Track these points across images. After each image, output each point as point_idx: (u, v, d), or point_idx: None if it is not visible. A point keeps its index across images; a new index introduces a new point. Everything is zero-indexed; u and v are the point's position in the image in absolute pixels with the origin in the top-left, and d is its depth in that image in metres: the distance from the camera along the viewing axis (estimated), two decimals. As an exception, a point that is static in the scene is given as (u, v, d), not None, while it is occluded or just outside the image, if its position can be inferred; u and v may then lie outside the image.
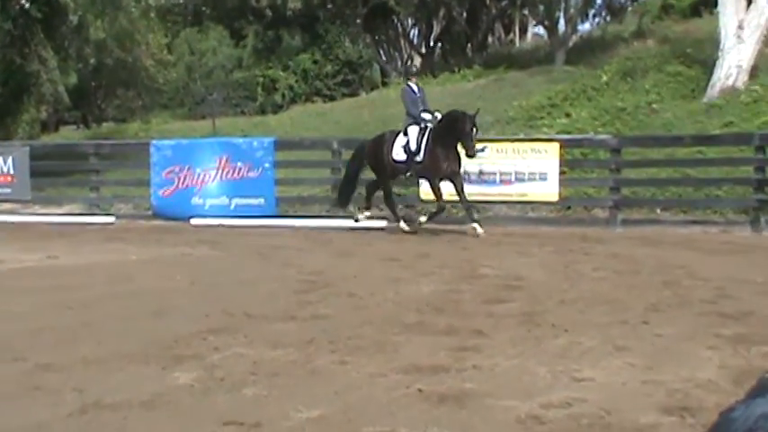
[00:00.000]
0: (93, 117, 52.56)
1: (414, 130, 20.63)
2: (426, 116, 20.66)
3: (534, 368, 9.47)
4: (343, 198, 22.24)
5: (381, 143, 21.34)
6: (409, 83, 21.49)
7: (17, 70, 36.65)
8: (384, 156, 21.09)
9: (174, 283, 15.04)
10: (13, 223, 25.01)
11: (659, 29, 36.81)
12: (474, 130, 19.60)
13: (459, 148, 20.00)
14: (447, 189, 20.59)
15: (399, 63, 53.65)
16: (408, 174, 20.83)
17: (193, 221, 23.67)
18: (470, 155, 19.67)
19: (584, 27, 50.79)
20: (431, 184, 20.60)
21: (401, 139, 20.88)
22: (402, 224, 21.37)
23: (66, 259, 17.95)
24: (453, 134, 19.82)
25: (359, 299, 13.44)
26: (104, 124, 50.63)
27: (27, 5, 32.00)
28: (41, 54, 36.35)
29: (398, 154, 20.82)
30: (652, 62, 30.83)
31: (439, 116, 20.73)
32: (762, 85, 26.23)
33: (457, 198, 20.34)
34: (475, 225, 20.24)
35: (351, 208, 22.75)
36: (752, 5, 26.79)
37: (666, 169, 22.70)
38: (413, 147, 20.54)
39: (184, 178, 24.23)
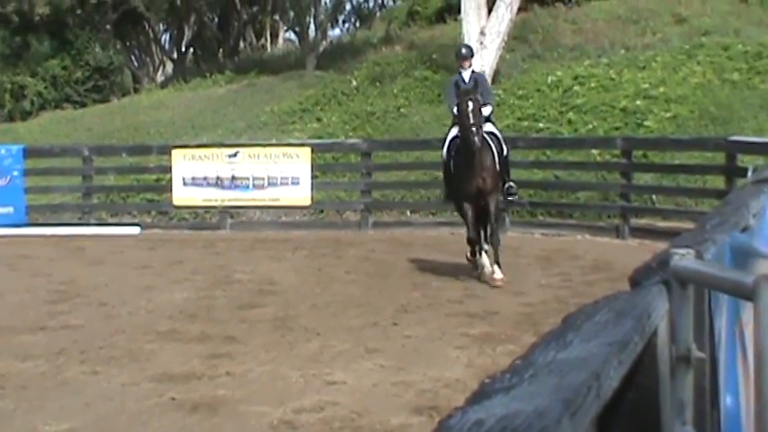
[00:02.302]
0: None
1: (451, 133, 15.51)
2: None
3: (287, 373, 9.60)
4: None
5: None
6: (461, 70, 15.88)
7: None
8: None
9: None
10: None
11: (406, 35, 37.46)
12: (469, 104, 14.31)
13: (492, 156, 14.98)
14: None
15: (151, 69, 53.15)
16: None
17: (-63, 232, 22.92)
18: (472, 148, 14.41)
19: (335, 33, 51.37)
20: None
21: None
22: (484, 263, 15.19)
23: None
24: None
25: (110, 308, 13.33)
26: None
27: None
28: None
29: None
30: (400, 67, 31.40)
31: (486, 112, 15.20)
32: (504, 89, 27.03)
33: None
34: (495, 268, 14.66)
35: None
36: (492, 13, 27.62)
37: (415, 172, 23.13)
38: (444, 155, 15.79)
39: (-72, 188, 23.45)
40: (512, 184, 15.61)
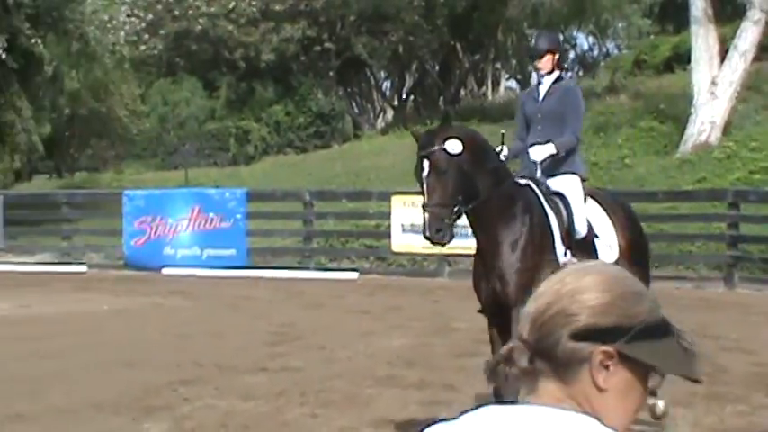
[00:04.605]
0: (66, 167, 52.37)
1: None
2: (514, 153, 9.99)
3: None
4: None
5: None
6: (539, 78, 9.83)
7: (-8, 120, 36.55)
8: None
9: (144, 334, 14.93)
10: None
11: (632, 84, 36.80)
12: (424, 165, 8.91)
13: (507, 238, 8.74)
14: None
15: (372, 115, 53.72)
16: None
17: (165, 271, 23.53)
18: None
19: (558, 81, 51.05)
20: None
21: None
22: None
23: (39, 308, 17.81)
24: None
25: (329, 351, 13.36)
26: (77, 174, 50.46)
27: (3, 56, 31.88)
28: (16, 104, 36.15)
29: None
30: (625, 117, 30.88)
31: (535, 155, 9.61)
32: (735, 141, 26.29)
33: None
34: None
35: None
36: (725, 62, 26.89)
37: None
38: None
39: (156, 228, 24.13)
40: None
